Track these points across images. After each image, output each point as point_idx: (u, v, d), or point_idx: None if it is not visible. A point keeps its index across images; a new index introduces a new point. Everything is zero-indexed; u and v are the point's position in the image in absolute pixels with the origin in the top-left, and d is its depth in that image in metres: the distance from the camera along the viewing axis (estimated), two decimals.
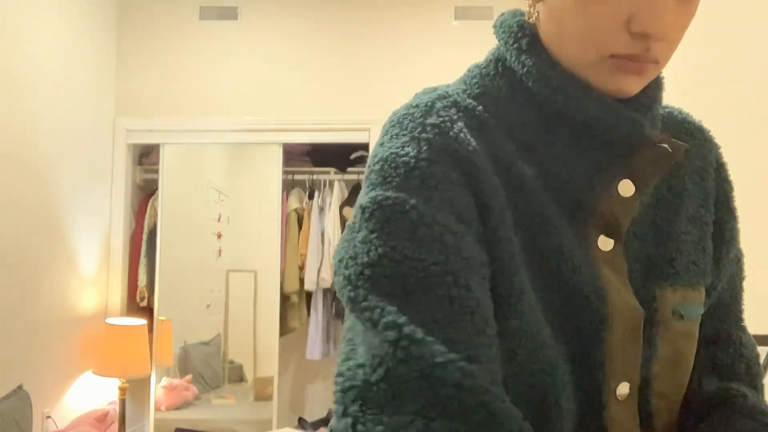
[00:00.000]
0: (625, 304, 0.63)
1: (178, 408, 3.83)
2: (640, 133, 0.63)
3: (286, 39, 3.88)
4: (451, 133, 0.62)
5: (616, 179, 0.64)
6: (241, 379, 4.27)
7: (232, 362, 4.28)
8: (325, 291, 4.07)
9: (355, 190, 4.15)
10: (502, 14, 0.73)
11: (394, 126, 0.67)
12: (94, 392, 3.54)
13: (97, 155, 3.68)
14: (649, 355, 0.66)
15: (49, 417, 3.15)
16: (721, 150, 0.78)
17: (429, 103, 0.68)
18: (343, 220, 4.01)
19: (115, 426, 3.37)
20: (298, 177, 4.20)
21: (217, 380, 4.21)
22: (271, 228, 3.89)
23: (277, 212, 3.90)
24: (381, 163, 0.61)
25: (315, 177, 4.19)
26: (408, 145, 0.62)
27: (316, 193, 4.10)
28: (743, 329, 0.81)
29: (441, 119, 0.64)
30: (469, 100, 0.68)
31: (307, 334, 4.03)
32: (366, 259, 0.55)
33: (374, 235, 0.56)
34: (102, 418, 3.30)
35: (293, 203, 4.07)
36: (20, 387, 2.72)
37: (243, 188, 4.30)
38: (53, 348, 3.23)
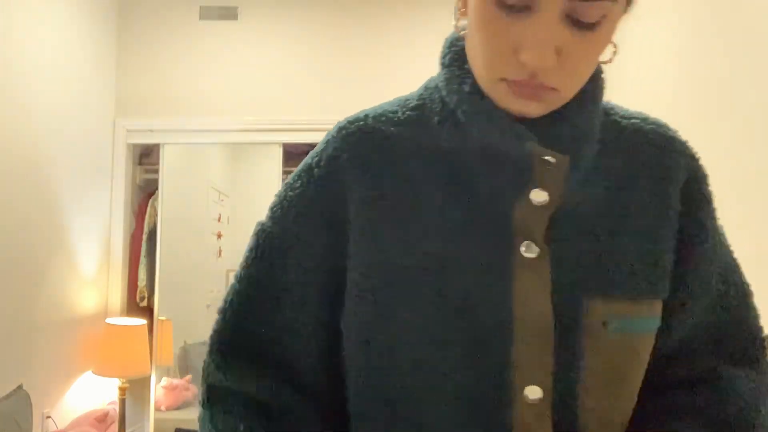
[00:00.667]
0: (534, 310, 0.65)
1: (178, 408, 3.83)
2: (521, 148, 0.65)
3: (286, 39, 3.88)
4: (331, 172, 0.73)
5: (528, 188, 0.66)
6: None
7: None
8: None
9: None
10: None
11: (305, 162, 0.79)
12: (94, 392, 3.54)
13: (97, 155, 3.68)
14: (571, 363, 0.66)
15: (49, 417, 3.15)
16: (700, 162, 0.76)
17: (326, 141, 0.76)
18: None
19: (115, 426, 3.37)
20: None
21: None
22: None
23: None
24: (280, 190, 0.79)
25: None
26: (297, 181, 0.78)
27: None
28: (743, 365, 0.74)
29: (328, 158, 0.73)
30: (378, 125, 0.73)
31: None
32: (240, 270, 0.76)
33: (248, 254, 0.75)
34: (102, 418, 3.30)
35: None
36: (20, 387, 2.72)
37: (243, 188, 4.30)
38: (53, 348, 3.23)
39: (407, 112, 0.74)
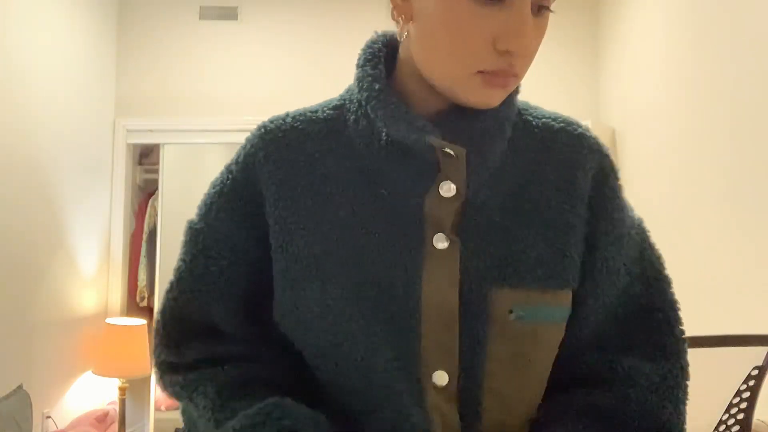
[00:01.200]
0: (440, 298, 0.68)
1: (178, 408, 3.82)
2: (423, 141, 0.68)
3: (286, 39, 3.88)
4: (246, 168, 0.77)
5: (437, 181, 0.70)
6: None
7: None
8: None
9: None
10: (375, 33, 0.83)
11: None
12: (94, 392, 3.54)
13: (97, 155, 3.68)
14: (476, 350, 0.68)
15: (49, 417, 3.15)
16: (609, 157, 0.78)
17: (246, 139, 0.80)
18: None
19: (115, 426, 3.37)
20: None
21: None
22: None
23: None
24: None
25: None
26: (219, 179, 0.82)
27: None
28: (653, 359, 0.73)
29: (245, 156, 0.78)
30: (296, 124, 0.78)
31: None
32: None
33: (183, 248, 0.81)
34: (102, 418, 3.30)
35: None
36: (20, 387, 2.72)
37: None
38: (53, 348, 3.23)
39: (327, 111, 0.80)
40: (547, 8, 0.68)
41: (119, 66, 3.89)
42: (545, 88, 3.76)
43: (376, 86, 0.73)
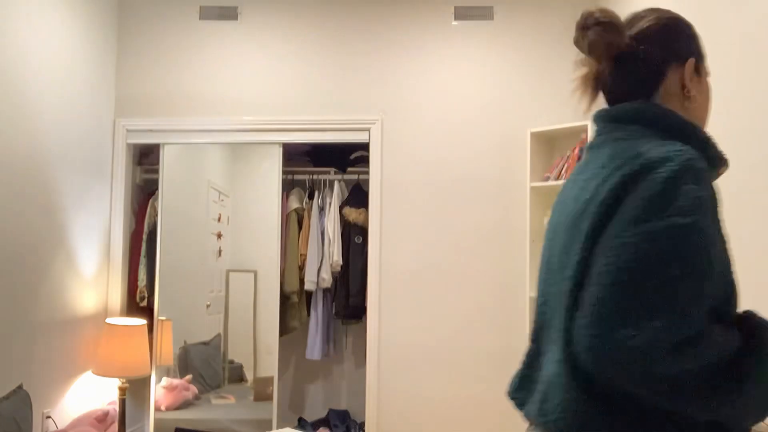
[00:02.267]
0: None
1: (178, 408, 3.83)
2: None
3: (287, 39, 3.88)
4: None
5: None
6: (241, 379, 4.27)
7: (232, 362, 4.28)
8: (325, 291, 4.07)
9: (355, 190, 4.16)
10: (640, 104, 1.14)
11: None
12: (94, 392, 3.54)
13: (97, 155, 3.68)
14: None
15: (49, 417, 3.15)
16: None
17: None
18: (342, 220, 4.01)
19: (115, 426, 3.37)
20: (298, 177, 4.20)
21: (217, 380, 4.21)
22: (271, 228, 3.89)
23: (277, 212, 3.90)
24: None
25: (315, 177, 4.20)
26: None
27: (316, 193, 4.10)
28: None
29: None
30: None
31: (306, 334, 4.03)
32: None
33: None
34: (102, 418, 3.30)
35: (293, 203, 4.07)
36: (20, 387, 2.72)
37: (243, 188, 4.29)
38: (53, 348, 3.23)
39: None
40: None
41: (119, 66, 3.90)
42: (546, 89, 3.77)
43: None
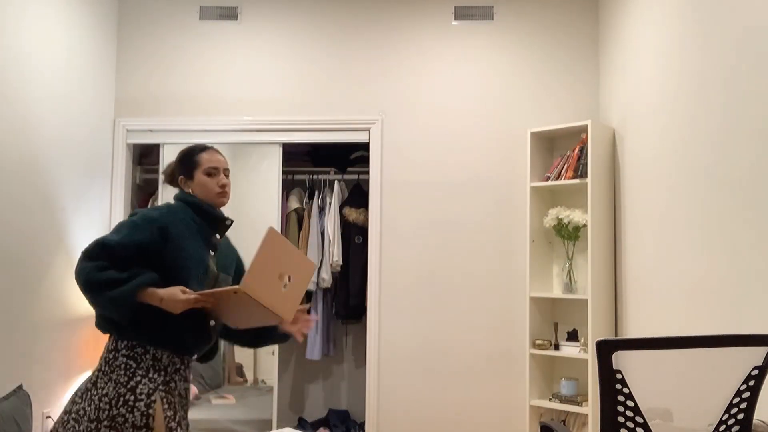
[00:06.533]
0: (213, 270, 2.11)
1: None
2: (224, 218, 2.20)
3: (286, 39, 3.88)
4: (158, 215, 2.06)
5: (216, 231, 2.20)
6: (242, 379, 4.27)
7: None
8: (325, 291, 4.07)
9: (355, 190, 4.16)
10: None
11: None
12: None
13: (97, 155, 3.68)
14: None
15: (49, 417, 3.15)
16: None
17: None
18: (343, 220, 4.02)
19: None
20: (298, 177, 4.20)
21: (217, 380, 4.21)
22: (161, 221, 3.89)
23: (277, 212, 3.90)
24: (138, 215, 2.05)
25: (315, 177, 4.20)
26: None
27: (316, 193, 4.10)
28: None
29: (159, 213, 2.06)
30: (176, 209, 2.10)
31: (307, 334, 4.03)
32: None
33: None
34: None
35: (293, 203, 4.08)
36: (20, 387, 2.72)
37: (243, 188, 4.29)
38: (53, 348, 3.23)
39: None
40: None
41: (119, 66, 3.90)
42: (546, 89, 3.77)
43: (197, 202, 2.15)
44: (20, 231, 2.97)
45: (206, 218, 2.12)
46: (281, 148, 3.87)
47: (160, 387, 1.91)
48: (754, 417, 1.39)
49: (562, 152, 3.59)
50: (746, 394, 1.34)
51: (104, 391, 1.87)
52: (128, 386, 1.87)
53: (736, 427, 1.36)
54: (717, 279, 2.18)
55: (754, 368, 1.33)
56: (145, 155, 4.09)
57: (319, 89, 3.85)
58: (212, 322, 2.04)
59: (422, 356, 3.70)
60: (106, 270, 1.92)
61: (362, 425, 3.84)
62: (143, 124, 3.85)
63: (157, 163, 3.91)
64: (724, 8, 2.19)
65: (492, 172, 3.75)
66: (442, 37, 3.83)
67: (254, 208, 4.12)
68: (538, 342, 3.48)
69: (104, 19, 3.77)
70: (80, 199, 3.49)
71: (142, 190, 4.05)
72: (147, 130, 3.86)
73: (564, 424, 3.38)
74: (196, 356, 2.09)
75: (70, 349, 3.38)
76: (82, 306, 3.52)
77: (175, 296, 1.87)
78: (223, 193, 2.16)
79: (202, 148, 2.18)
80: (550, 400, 3.45)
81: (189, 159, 2.16)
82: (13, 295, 2.92)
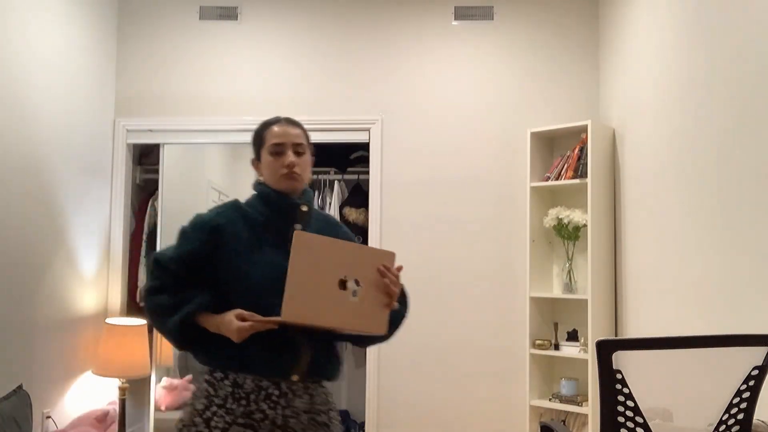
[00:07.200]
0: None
1: (178, 408, 3.83)
2: (296, 204, 1.77)
3: (286, 39, 3.88)
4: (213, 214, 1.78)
5: (294, 222, 1.76)
6: None
7: None
8: None
9: (355, 190, 4.15)
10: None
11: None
12: (94, 392, 3.54)
13: (97, 155, 3.68)
14: None
15: (49, 417, 3.15)
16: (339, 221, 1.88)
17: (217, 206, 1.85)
18: (343, 220, 4.01)
19: (115, 426, 3.37)
20: None
21: None
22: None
23: None
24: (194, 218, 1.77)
25: (315, 177, 4.20)
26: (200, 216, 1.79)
27: (316, 193, 4.10)
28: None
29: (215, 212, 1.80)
30: (238, 204, 1.84)
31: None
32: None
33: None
34: (102, 418, 3.30)
35: None
36: (20, 387, 2.72)
37: (243, 188, 4.28)
38: (53, 348, 3.23)
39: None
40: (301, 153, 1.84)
41: (119, 66, 3.90)
42: (546, 89, 3.77)
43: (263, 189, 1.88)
44: (20, 231, 2.97)
45: (275, 209, 1.75)
46: None
47: (239, 420, 1.60)
48: (754, 417, 1.39)
49: (562, 152, 3.59)
50: (746, 394, 1.34)
51: (182, 416, 1.66)
52: (204, 416, 1.61)
53: (736, 427, 1.36)
54: (717, 279, 2.18)
55: (754, 368, 1.33)
56: (145, 155, 4.09)
57: (319, 89, 3.85)
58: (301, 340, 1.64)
59: (422, 356, 3.70)
60: (160, 294, 1.66)
61: (362, 425, 3.84)
62: (143, 124, 3.85)
63: (157, 163, 3.91)
64: (724, 8, 2.19)
65: (492, 172, 3.75)
66: (442, 37, 3.82)
67: None
68: (538, 342, 3.48)
69: (104, 19, 3.77)
70: (80, 199, 3.49)
71: (142, 190, 4.05)
72: (147, 130, 3.86)
73: (564, 424, 3.38)
74: (296, 377, 1.65)
75: (70, 349, 3.38)
76: (82, 306, 3.52)
77: (230, 326, 1.57)
78: (290, 174, 1.75)
79: (273, 121, 1.85)
80: (550, 400, 3.45)
81: (257, 137, 1.86)
82: (13, 295, 2.92)
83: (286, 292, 1.47)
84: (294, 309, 1.47)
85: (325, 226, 1.82)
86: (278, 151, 1.78)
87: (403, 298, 1.78)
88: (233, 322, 1.55)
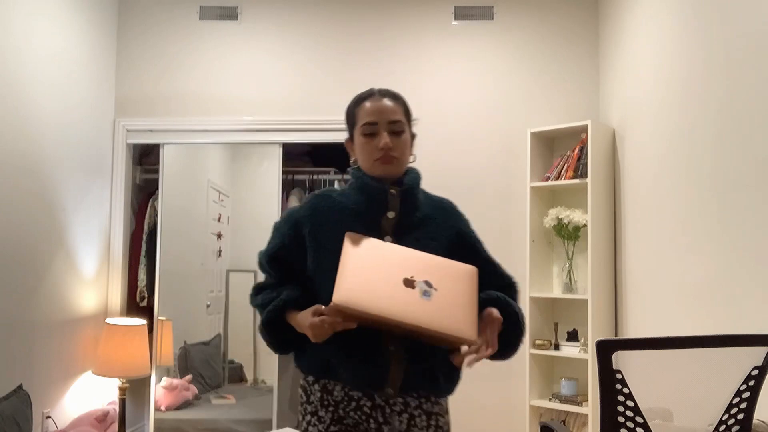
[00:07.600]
0: None
1: (178, 408, 3.83)
2: (385, 189, 1.57)
3: (286, 39, 3.88)
4: (299, 208, 1.64)
5: (387, 209, 1.56)
6: (241, 379, 4.28)
7: (232, 362, 4.28)
8: None
9: None
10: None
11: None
12: (94, 392, 3.54)
13: (97, 155, 3.68)
14: None
15: (49, 417, 3.15)
16: (461, 211, 1.77)
17: (306, 198, 1.69)
18: None
19: (115, 426, 3.37)
20: (298, 177, 4.20)
21: (217, 380, 4.21)
22: (271, 228, 3.89)
23: (277, 212, 3.90)
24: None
25: (315, 177, 4.19)
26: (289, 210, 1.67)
27: None
28: (506, 292, 1.61)
29: (304, 204, 1.65)
30: (329, 193, 1.66)
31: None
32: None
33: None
34: (102, 418, 3.30)
35: (293, 203, 4.07)
36: (20, 387, 2.72)
37: (243, 188, 4.30)
38: (53, 348, 3.23)
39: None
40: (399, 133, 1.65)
41: (119, 66, 3.90)
42: (546, 89, 3.77)
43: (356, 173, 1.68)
44: (20, 231, 2.97)
45: (367, 196, 1.56)
46: (281, 148, 3.87)
47: (331, 428, 1.47)
48: (754, 417, 1.39)
49: (562, 152, 3.59)
50: (746, 394, 1.34)
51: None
52: (302, 427, 1.52)
53: (736, 427, 1.36)
54: (717, 279, 2.18)
55: (754, 368, 1.33)
56: (145, 155, 4.09)
57: (319, 89, 3.84)
58: (391, 347, 1.44)
59: None
60: (262, 290, 1.58)
61: None
62: (143, 124, 3.85)
63: (157, 163, 3.91)
64: (724, 7, 2.19)
65: (492, 172, 3.75)
66: (442, 37, 3.82)
67: (254, 208, 4.12)
68: (538, 342, 3.48)
69: (104, 19, 3.77)
70: (80, 199, 3.49)
71: (142, 190, 4.05)
72: (147, 130, 3.86)
73: (564, 424, 3.38)
74: (390, 390, 1.45)
75: (70, 349, 3.38)
76: (82, 306, 3.52)
77: (304, 323, 1.40)
78: (385, 158, 1.55)
79: (366, 95, 1.64)
80: (550, 400, 3.45)
81: (349, 115, 1.65)
82: (13, 295, 2.92)
83: (338, 274, 1.36)
84: (348, 292, 1.32)
85: (435, 212, 1.62)
86: (371, 131, 1.55)
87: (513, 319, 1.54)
88: (307, 318, 1.38)
